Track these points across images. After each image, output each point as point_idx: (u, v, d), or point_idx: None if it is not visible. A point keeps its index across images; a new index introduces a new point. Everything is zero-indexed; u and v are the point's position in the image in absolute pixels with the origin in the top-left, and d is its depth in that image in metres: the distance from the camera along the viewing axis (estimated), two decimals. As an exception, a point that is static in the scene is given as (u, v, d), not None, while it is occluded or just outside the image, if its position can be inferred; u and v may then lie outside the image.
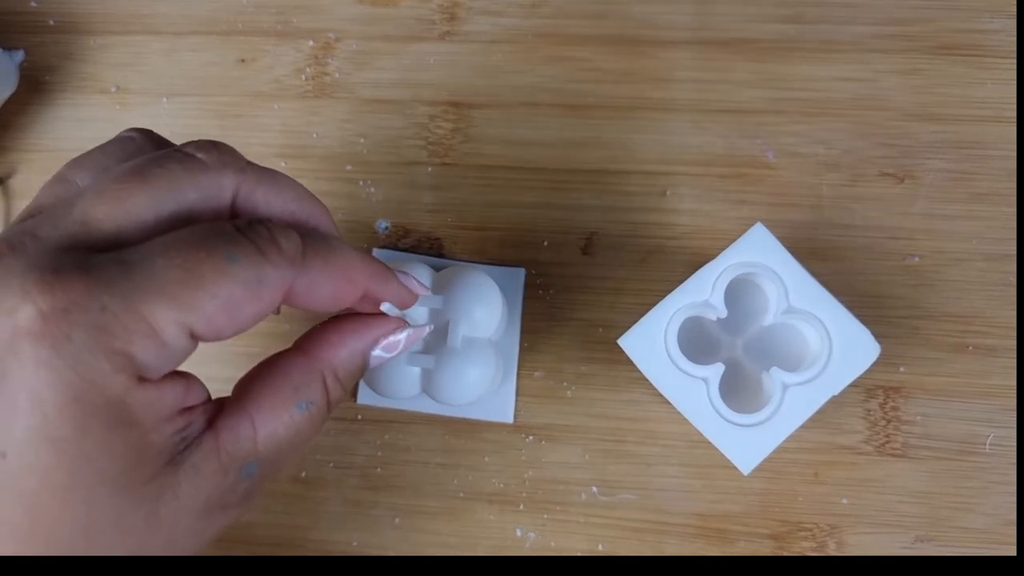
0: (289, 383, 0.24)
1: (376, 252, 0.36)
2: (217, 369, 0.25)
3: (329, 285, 0.23)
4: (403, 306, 0.27)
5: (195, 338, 0.21)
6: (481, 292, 0.31)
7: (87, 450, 0.20)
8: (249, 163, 0.24)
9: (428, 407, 0.34)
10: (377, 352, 0.26)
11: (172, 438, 0.21)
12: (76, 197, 0.22)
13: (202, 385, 0.23)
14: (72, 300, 0.19)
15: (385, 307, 0.26)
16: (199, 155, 0.23)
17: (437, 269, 0.33)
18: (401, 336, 0.26)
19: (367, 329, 0.26)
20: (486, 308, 0.31)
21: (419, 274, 0.31)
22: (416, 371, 0.30)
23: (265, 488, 0.25)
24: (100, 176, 0.23)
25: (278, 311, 0.28)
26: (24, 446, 0.19)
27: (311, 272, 0.23)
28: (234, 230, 0.22)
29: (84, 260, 0.20)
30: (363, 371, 0.26)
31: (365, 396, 0.35)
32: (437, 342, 0.30)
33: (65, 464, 0.19)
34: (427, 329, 0.27)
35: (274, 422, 0.23)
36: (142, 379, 0.20)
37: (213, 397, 0.24)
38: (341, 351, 0.25)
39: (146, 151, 0.24)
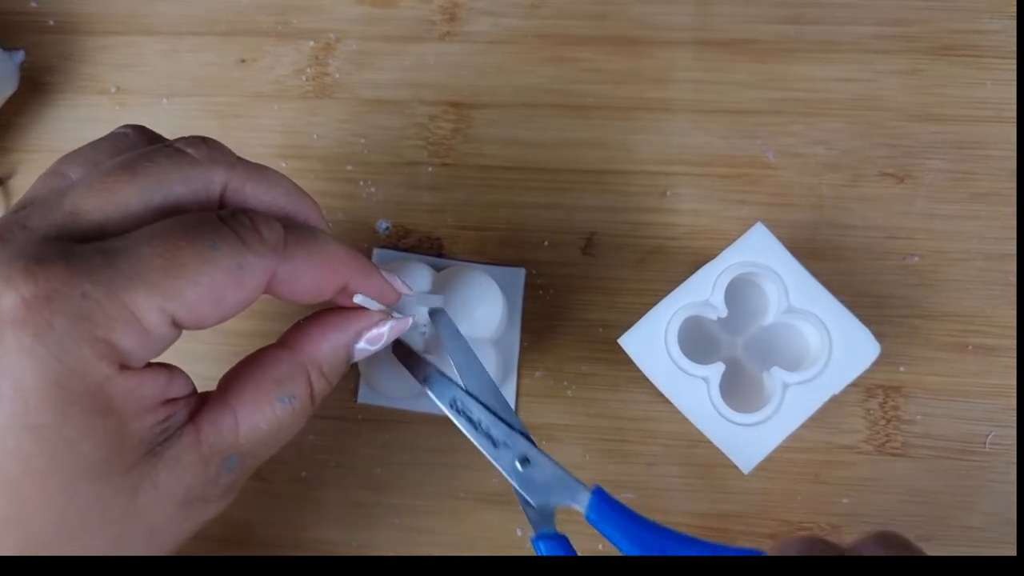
0: (272, 377, 0.24)
1: (376, 252, 0.36)
2: (205, 368, 0.25)
3: (311, 275, 0.24)
4: (386, 302, 0.27)
5: (177, 326, 0.21)
6: (481, 292, 0.31)
7: (67, 436, 0.20)
8: (239, 159, 0.24)
9: (428, 407, 0.34)
10: (361, 345, 0.26)
11: (153, 428, 0.22)
12: (67, 189, 0.22)
13: (186, 378, 0.23)
14: (54, 288, 0.19)
15: (359, 299, 0.26)
16: (189, 150, 0.23)
17: (438, 269, 0.33)
18: (384, 328, 0.26)
19: (349, 322, 0.26)
20: (486, 308, 0.31)
21: (419, 274, 0.31)
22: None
23: (262, 488, 0.25)
24: (91, 170, 0.23)
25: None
26: (5, 432, 0.19)
27: (293, 261, 0.23)
28: (216, 219, 0.22)
29: (68, 249, 0.20)
30: (347, 364, 0.26)
31: (365, 396, 0.35)
32: (437, 342, 0.30)
33: (46, 451, 0.20)
34: (410, 321, 0.27)
35: (256, 415, 0.23)
36: (124, 367, 0.20)
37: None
38: (324, 345, 0.25)
39: (139, 147, 0.24)
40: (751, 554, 0.25)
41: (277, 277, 0.23)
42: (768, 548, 0.25)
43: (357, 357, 0.26)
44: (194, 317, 0.21)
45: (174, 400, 0.22)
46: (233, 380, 0.24)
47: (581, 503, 0.27)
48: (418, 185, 0.37)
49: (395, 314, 0.27)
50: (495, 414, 0.28)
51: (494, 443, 0.27)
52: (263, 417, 0.23)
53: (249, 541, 0.34)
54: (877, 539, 0.23)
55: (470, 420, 0.28)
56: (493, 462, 0.27)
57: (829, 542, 0.23)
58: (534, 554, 0.27)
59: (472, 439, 0.28)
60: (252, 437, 0.23)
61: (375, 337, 0.26)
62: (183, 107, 0.38)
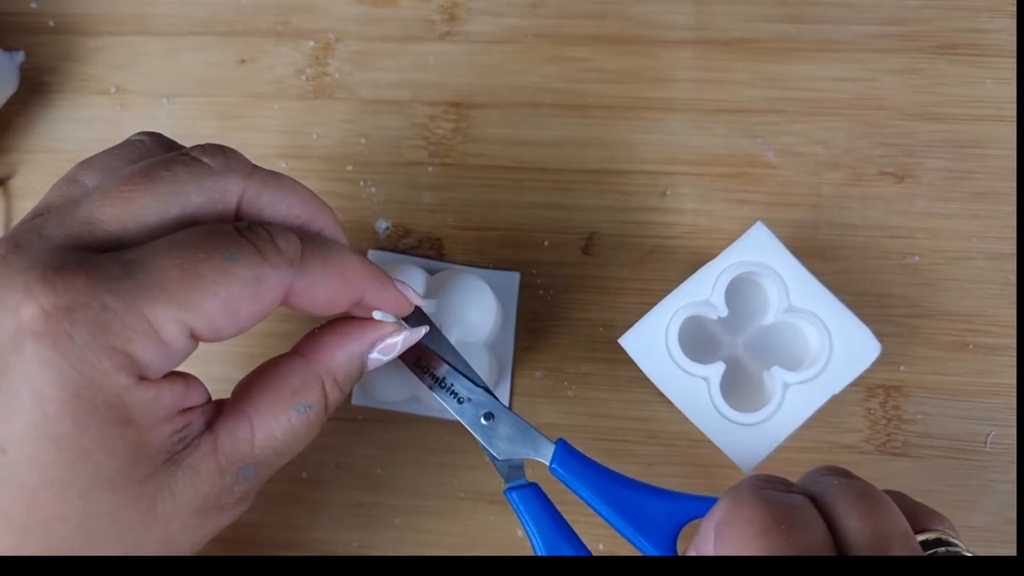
0: (287, 386, 0.24)
1: (371, 254, 0.36)
2: (218, 369, 0.25)
3: (327, 287, 0.24)
4: (399, 313, 0.27)
5: (195, 338, 0.21)
6: (474, 296, 0.31)
7: (86, 447, 0.20)
8: (255, 168, 0.24)
9: (422, 410, 0.34)
10: (374, 355, 0.26)
11: (170, 438, 0.22)
12: (83, 197, 0.22)
13: (202, 386, 0.23)
14: (74, 298, 0.19)
15: (377, 315, 0.26)
16: (205, 159, 0.23)
17: (431, 272, 0.33)
18: (398, 339, 0.26)
19: (364, 332, 0.26)
20: (479, 312, 0.31)
21: (413, 277, 0.31)
22: (410, 374, 0.30)
23: (263, 489, 0.25)
24: (108, 177, 0.23)
25: None
26: (24, 442, 0.19)
27: (310, 273, 0.23)
28: (234, 231, 0.22)
29: (86, 259, 0.20)
30: (361, 374, 0.26)
31: (359, 399, 0.34)
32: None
33: (64, 460, 0.20)
34: (424, 332, 0.27)
35: (272, 424, 0.24)
36: (142, 378, 0.21)
37: (213, 398, 0.24)
38: (339, 354, 0.25)
39: (155, 154, 0.24)
40: (708, 501, 0.25)
41: (294, 289, 0.23)
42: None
43: (371, 367, 0.26)
44: (211, 329, 0.21)
45: (191, 409, 0.22)
46: (248, 389, 0.24)
47: (545, 455, 0.28)
48: (418, 185, 0.37)
49: (404, 323, 0.27)
50: (458, 371, 0.28)
51: (459, 399, 0.28)
52: (279, 426, 0.24)
53: (249, 542, 0.34)
54: (823, 470, 0.23)
55: (433, 376, 0.28)
56: (457, 417, 0.28)
57: (775, 478, 0.23)
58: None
59: (435, 395, 0.28)
60: (267, 446, 0.23)
61: (388, 347, 0.26)
62: (183, 107, 0.38)
